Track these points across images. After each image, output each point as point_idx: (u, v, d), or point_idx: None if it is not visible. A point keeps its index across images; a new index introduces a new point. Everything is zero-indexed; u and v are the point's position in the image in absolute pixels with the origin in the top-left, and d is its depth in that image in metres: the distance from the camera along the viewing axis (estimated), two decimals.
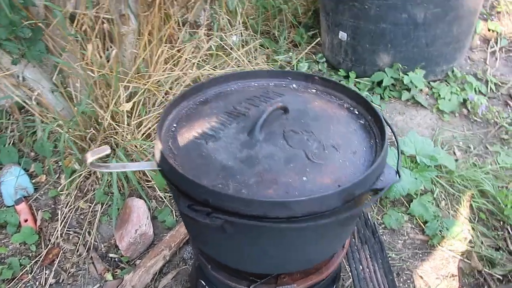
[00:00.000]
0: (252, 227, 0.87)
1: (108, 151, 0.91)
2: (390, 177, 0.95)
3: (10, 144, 2.33)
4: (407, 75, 2.29)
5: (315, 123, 1.07)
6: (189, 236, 1.18)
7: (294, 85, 1.26)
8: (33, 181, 2.13)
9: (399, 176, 0.95)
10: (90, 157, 0.89)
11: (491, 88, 2.42)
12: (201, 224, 0.86)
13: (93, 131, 1.91)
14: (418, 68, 2.33)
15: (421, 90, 2.32)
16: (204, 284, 1.22)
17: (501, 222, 1.79)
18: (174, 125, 1.09)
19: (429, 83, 2.42)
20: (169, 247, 1.71)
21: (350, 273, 1.45)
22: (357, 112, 1.14)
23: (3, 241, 1.88)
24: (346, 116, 1.12)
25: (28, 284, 1.71)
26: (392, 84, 2.35)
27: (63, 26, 1.78)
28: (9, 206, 2.02)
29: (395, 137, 1.06)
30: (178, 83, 2.11)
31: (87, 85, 1.84)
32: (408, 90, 2.32)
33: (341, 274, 1.32)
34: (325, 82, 1.23)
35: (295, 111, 1.10)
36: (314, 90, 1.24)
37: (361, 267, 1.38)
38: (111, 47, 1.96)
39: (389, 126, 1.09)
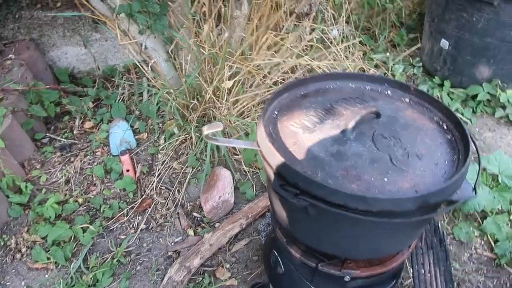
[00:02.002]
0: (333, 214, 0.99)
1: (221, 127, 1.08)
2: (466, 192, 1.03)
3: (121, 100, 2.64)
4: (505, 92, 2.25)
5: (404, 131, 1.16)
6: (272, 211, 1.33)
7: (389, 92, 1.35)
8: (136, 137, 2.41)
9: (475, 193, 1.03)
10: (206, 130, 1.07)
11: None
12: (288, 203, 1.01)
13: (196, 102, 2.13)
14: None
15: None
16: (277, 254, 1.38)
17: None
18: (276, 112, 1.24)
19: None
20: (246, 217, 1.89)
21: (411, 274, 1.54)
22: (445, 127, 1.21)
23: (107, 185, 2.17)
24: (434, 129, 1.20)
25: (123, 225, 1.98)
26: (488, 100, 2.32)
27: (186, 5, 1.99)
28: (114, 156, 2.31)
29: (478, 153, 1.13)
30: (276, 69, 2.25)
31: (197, 60, 2.05)
32: (503, 108, 2.28)
33: (401, 272, 1.41)
34: (420, 94, 1.31)
35: (386, 117, 1.20)
36: (407, 100, 1.32)
37: (422, 270, 1.46)
38: (222, 29, 2.14)
39: (474, 143, 1.16)
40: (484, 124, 2.30)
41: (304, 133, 1.14)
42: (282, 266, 1.37)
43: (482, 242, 1.84)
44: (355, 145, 1.10)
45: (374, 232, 1.05)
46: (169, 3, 1.94)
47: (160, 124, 2.43)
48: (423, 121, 1.23)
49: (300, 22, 2.28)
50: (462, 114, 2.31)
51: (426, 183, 1.03)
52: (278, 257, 1.39)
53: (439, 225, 1.80)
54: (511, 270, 1.74)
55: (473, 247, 1.83)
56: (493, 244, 1.81)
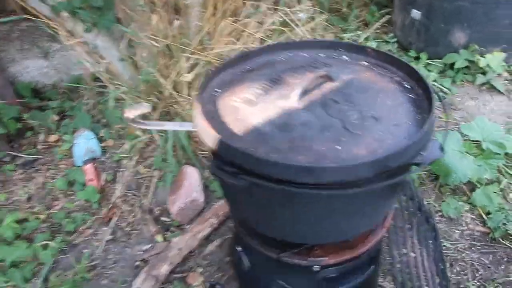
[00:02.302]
0: (280, 192, 0.86)
1: (148, 109, 0.95)
2: (433, 153, 0.89)
3: (85, 110, 2.50)
4: (484, 57, 2.11)
5: (360, 95, 1.03)
6: (226, 203, 1.20)
7: (345, 57, 1.22)
8: (102, 145, 2.27)
9: (443, 151, 0.89)
10: (128, 113, 0.93)
11: None
12: (232, 186, 0.87)
13: (155, 99, 1.99)
14: (497, 51, 2.14)
15: (499, 74, 2.14)
16: (240, 249, 1.24)
17: None
18: (218, 90, 1.10)
19: (509, 67, 2.22)
20: (217, 215, 1.75)
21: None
22: (408, 86, 1.08)
23: (70, 197, 2.03)
24: (395, 90, 1.07)
25: (87, 239, 1.83)
26: (466, 67, 2.19)
27: None
28: (78, 167, 2.17)
29: (446, 110, 0.99)
30: None
31: (151, 54, 1.91)
32: (484, 74, 2.15)
33: (379, 256, 1.26)
34: (379, 55, 1.18)
35: (340, 81, 1.07)
36: (366, 63, 1.19)
37: (405, 250, 1.31)
38: (176, 19, 2.01)
39: (441, 99, 1.03)
40: (465, 93, 2.16)
41: (246, 107, 1.01)
42: (247, 262, 1.22)
43: (473, 217, 1.70)
44: (304, 114, 0.97)
45: (332, 210, 0.91)
46: None
47: (126, 129, 2.29)
48: (383, 82, 1.10)
49: (259, 6, 2.15)
50: (442, 85, 2.17)
51: (386, 147, 0.89)
52: (242, 253, 1.24)
53: (424, 202, 1.66)
54: (507, 243, 1.60)
55: (464, 222, 1.68)
56: (485, 217, 1.67)
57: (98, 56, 1.99)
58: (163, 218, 1.86)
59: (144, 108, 0.94)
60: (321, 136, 0.91)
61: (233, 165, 0.86)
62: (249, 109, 1.00)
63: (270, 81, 1.09)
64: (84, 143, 2.22)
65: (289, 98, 1.00)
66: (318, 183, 0.81)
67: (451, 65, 2.22)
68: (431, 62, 2.31)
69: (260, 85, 1.07)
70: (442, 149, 0.90)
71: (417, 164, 0.86)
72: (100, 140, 2.31)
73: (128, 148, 2.10)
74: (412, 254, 1.35)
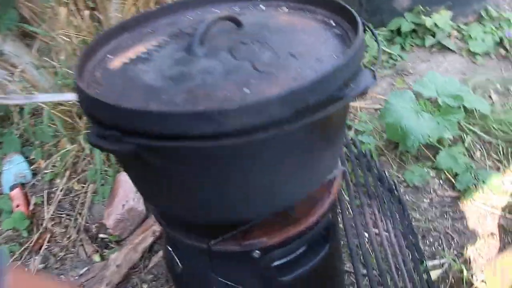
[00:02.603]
0: (175, 152, 0.67)
1: None
2: (364, 82, 0.72)
3: (17, 134, 2.27)
4: (430, 17, 1.99)
5: (274, 35, 0.85)
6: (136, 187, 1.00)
7: (262, 6, 1.05)
8: (33, 167, 2.04)
9: (375, 78, 0.72)
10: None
11: None
12: (117, 155, 0.68)
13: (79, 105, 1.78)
14: (443, 10, 2.02)
15: (448, 34, 2.02)
16: (170, 249, 1.03)
17: None
18: (110, 56, 0.91)
19: (458, 26, 2.10)
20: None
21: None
22: (333, 23, 0.91)
23: None
24: (318, 27, 0.90)
25: None
26: (414, 31, 2.07)
27: None
28: (6, 194, 1.94)
29: (371, 30, 0.83)
30: None
31: (67, 54, 1.71)
32: (433, 35, 2.02)
33: (337, 234, 1.07)
34: None
35: (252, 25, 0.89)
36: (286, 9, 1.02)
37: (363, 222, 1.12)
38: (92, 11, 1.82)
39: (370, 29, 0.87)
40: (416, 58, 2.03)
41: (137, 65, 0.82)
42: (179, 262, 1.02)
43: (441, 182, 1.54)
44: (205, 61, 0.78)
45: (251, 167, 0.72)
46: None
47: (56, 146, 2.06)
48: (304, 22, 0.92)
49: None
50: (390, 53, 2.04)
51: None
52: (172, 252, 1.04)
53: (386, 173, 1.50)
54: (480, 204, 1.44)
55: (431, 189, 1.52)
56: (453, 180, 1.51)
57: (8, 65, 1.78)
58: (101, 235, 1.64)
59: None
60: (226, 81, 0.72)
61: (114, 128, 0.67)
62: (141, 66, 0.81)
63: (169, 36, 0.90)
64: (13, 169, 2.01)
65: (187, 47, 0.81)
66: (221, 132, 0.62)
67: (398, 32, 2.09)
68: (378, 32, 2.17)
69: (157, 41, 0.89)
70: (374, 76, 0.72)
71: (343, 97, 0.69)
72: (31, 162, 2.08)
73: (59, 165, 1.87)
74: (376, 231, 1.17)
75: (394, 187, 1.42)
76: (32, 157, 2.11)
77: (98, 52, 0.90)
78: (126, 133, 0.65)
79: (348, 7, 0.89)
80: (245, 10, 1.03)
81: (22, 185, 1.93)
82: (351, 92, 0.69)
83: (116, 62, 0.86)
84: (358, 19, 0.82)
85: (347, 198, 1.20)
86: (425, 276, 1.17)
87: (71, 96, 0.80)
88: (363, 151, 1.40)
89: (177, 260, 1.02)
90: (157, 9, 1.03)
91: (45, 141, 2.11)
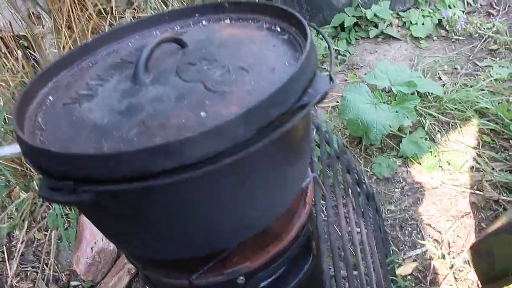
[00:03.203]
0: (136, 193, 0.62)
1: None
2: (322, 86, 0.69)
3: None
4: (370, 9, 2.02)
5: (220, 50, 0.82)
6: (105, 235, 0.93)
7: (203, 22, 1.01)
8: None
9: (332, 81, 0.70)
10: None
11: (468, 3, 2.14)
12: (75, 206, 0.62)
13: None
14: (381, 0, 2.05)
15: (390, 23, 2.05)
16: None
17: (510, 141, 1.52)
18: (50, 97, 0.84)
19: (398, 14, 2.14)
20: None
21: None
22: (278, 29, 0.89)
23: None
24: (263, 36, 0.87)
25: None
26: (357, 24, 2.09)
27: None
28: None
29: (325, 38, 0.81)
30: None
31: (7, 99, 1.61)
32: (376, 26, 2.05)
33: (316, 243, 1.04)
34: (239, 6, 0.97)
35: (195, 43, 0.85)
36: (227, 21, 0.99)
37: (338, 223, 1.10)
38: (27, 54, 1.73)
39: (317, 30, 0.85)
40: (363, 50, 2.05)
41: (82, 104, 0.76)
42: None
43: (408, 169, 1.54)
44: (153, 88, 0.74)
45: (224, 195, 0.68)
46: None
47: (10, 197, 1.94)
48: (248, 32, 0.89)
49: (122, 17, 1.92)
50: (337, 50, 2.05)
51: (262, 96, 0.68)
52: None
53: (353, 165, 1.48)
54: (449, 185, 1.45)
55: (400, 179, 1.52)
56: (420, 166, 1.52)
57: None
58: (73, 283, 1.54)
59: None
60: (179, 107, 0.68)
61: (67, 178, 0.61)
62: (86, 104, 0.75)
63: (110, 67, 0.85)
64: None
65: (132, 76, 0.76)
66: (184, 164, 0.58)
67: (342, 27, 2.11)
68: (322, 30, 2.18)
69: (98, 75, 0.83)
70: (331, 79, 0.70)
71: (305, 105, 0.66)
72: None
73: (15, 216, 1.76)
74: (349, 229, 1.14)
75: (361, 180, 1.41)
76: None
77: (36, 95, 0.83)
78: (81, 181, 0.59)
79: (291, 10, 0.87)
80: (187, 29, 0.99)
81: None
82: (311, 99, 0.66)
83: (58, 104, 0.80)
84: (304, 21, 0.80)
85: (322, 202, 1.18)
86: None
87: (13, 149, 0.73)
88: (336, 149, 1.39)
89: None
90: (93, 40, 0.97)
91: None
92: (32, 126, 0.75)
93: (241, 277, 0.85)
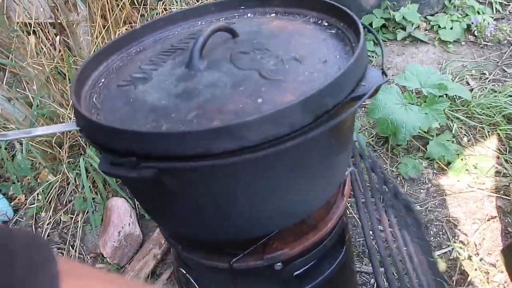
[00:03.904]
0: (196, 171, 0.64)
1: None
2: (374, 80, 0.71)
3: None
4: (399, 11, 2.03)
5: (271, 41, 0.84)
6: (148, 213, 0.96)
7: (249, 14, 1.03)
8: (13, 203, 1.95)
9: (386, 76, 0.71)
10: None
11: (496, 9, 2.14)
12: (136, 184, 0.65)
13: (59, 134, 1.71)
14: (409, 3, 2.06)
15: (418, 25, 2.06)
16: (184, 272, 1.00)
17: None
18: (102, 80, 0.87)
19: (425, 17, 2.15)
20: (159, 244, 1.49)
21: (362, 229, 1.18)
22: (326, 23, 0.91)
23: None
24: (312, 29, 0.89)
25: None
26: (384, 26, 2.10)
27: (2, 24, 1.59)
28: None
29: (374, 35, 0.82)
30: None
31: (41, 83, 1.65)
32: (403, 28, 2.06)
33: (349, 236, 1.06)
34: (284, 0, 1.00)
35: (246, 34, 0.88)
36: (273, 14, 1.01)
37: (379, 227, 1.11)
38: (63, 40, 1.76)
39: (367, 27, 0.86)
40: (390, 52, 2.06)
41: (137, 87, 0.78)
42: (195, 284, 0.98)
43: (435, 171, 1.55)
44: (208, 74, 0.76)
45: (272, 179, 0.70)
46: None
47: (37, 179, 1.98)
48: (296, 25, 0.91)
49: (155, 7, 1.95)
50: None
51: (318, 86, 0.70)
52: (187, 275, 1.00)
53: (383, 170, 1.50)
54: (476, 189, 1.46)
55: (426, 180, 1.54)
56: (446, 168, 1.53)
57: None
58: (98, 265, 1.57)
59: None
60: (236, 93, 0.70)
61: (130, 154, 0.63)
62: (141, 87, 0.78)
63: (162, 53, 0.88)
64: None
65: (187, 62, 0.79)
66: (244, 146, 0.60)
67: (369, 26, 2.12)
68: None
69: (152, 60, 0.86)
70: (384, 73, 0.72)
71: (360, 97, 0.68)
72: (10, 199, 1.99)
73: (42, 198, 1.80)
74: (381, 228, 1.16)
75: (385, 178, 1.42)
76: (11, 192, 2.02)
77: (89, 77, 0.87)
78: (144, 158, 0.62)
79: (341, 6, 0.88)
80: (233, 20, 1.01)
81: (5, 223, 1.84)
82: (364, 91, 0.68)
83: (112, 85, 0.83)
84: (356, 17, 0.81)
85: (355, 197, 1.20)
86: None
87: (70, 126, 0.76)
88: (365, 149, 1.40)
89: (193, 282, 0.98)
90: (142, 26, 1.00)
91: (24, 175, 2.03)
92: (88, 106, 0.79)
93: (279, 263, 0.87)
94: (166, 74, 0.79)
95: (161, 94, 0.74)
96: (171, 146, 0.61)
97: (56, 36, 1.62)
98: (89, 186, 1.68)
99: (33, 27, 1.59)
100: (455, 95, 1.63)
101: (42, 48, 1.62)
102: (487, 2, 2.19)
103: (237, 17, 1.03)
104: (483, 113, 1.62)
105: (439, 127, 1.58)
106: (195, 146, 0.60)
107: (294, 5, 0.98)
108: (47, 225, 1.77)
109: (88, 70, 0.87)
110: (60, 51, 1.60)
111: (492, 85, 1.75)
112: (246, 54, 0.80)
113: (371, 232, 1.06)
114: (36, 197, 1.89)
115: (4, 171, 2.11)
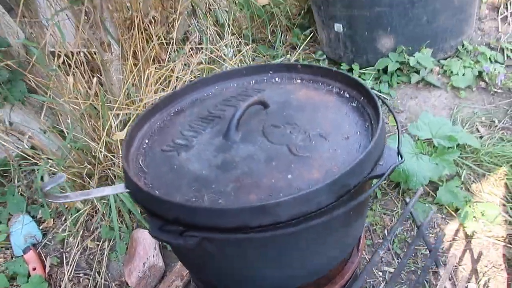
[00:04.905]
0: (234, 242, 0.74)
1: (63, 178, 0.81)
2: (390, 160, 0.81)
3: (18, 193, 2.28)
4: (413, 56, 2.13)
5: (299, 114, 0.94)
6: (183, 264, 1.06)
7: (276, 79, 1.14)
8: (41, 227, 2.06)
9: (402, 157, 0.81)
10: (45, 189, 0.79)
11: (508, 56, 2.23)
12: (179, 247, 0.75)
13: (89, 166, 1.83)
14: (424, 48, 2.16)
15: (431, 70, 2.16)
16: None
17: None
18: (146, 141, 0.98)
19: (438, 61, 2.25)
20: (181, 276, 1.59)
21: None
22: (347, 95, 1.01)
23: None
24: (335, 101, 0.99)
25: None
26: (399, 69, 2.20)
27: (43, 63, 1.72)
28: (18, 256, 1.95)
29: (391, 112, 0.92)
30: None
31: (75, 118, 1.77)
32: (417, 72, 2.16)
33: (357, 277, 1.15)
34: (309, 69, 1.10)
35: (276, 104, 0.98)
36: (299, 81, 1.11)
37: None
38: (97, 77, 1.89)
39: (384, 102, 0.96)
40: (404, 94, 2.16)
41: (180, 153, 0.89)
42: None
43: (443, 216, 1.64)
44: (244, 146, 0.86)
45: (298, 249, 0.80)
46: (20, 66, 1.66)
47: (65, 205, 2.09)
48: (320, 96, 1.02)
49: (182, 48, 2.07)
50: (380, 91, 2.16)
51: (340, 163, 0.80)
52: None
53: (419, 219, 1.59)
54: (482, 236, 1.54)
55: (435, 224, 1.62)
56: (454, 214, 1.61)
57: (17, 132, 1.82)
58: None
59: (59, 178, 0.81)
60: (269, 167, 0.80)
61: (177, 223, 0.74)
62: (183, 154, 0.88)
63: (201, 120, 0.98)
64: (22, 229, 2.02)
65: (225, 133, 0.89)
66: (277, 222, 0.70)
67: (384, 70, 2.22)
68: (364, 71, 2.30)
69: (191, 126, 0.97)
70: (399, 154, 0.82)
71: (379, 176, 0.78)
72: (39, 222, 2.10)
73: (71, 224, 1.90)
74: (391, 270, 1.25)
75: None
76: (39, 216, 2.13)
77: (135, 138, 0.97)
78: (189, 227, 0.72)
79: (361, 81, 0.98)
80: (262, 85, 1.12)
81: (33, 246, 1.95)
82: (383, 171, 0.78)
83: (155, 148, 0.93)
84: (375, 97, 0.91)
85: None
86: None
87: (121, 189, 0.86)
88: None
89: None
90: (181, 88, 1.11)
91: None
92: (135, 168, 0.89)
93: None
94: (206, 143, 0.90)
95: (202, 164, 0.84)
96: (213, 219, 0.71)
97: (93, 78, 1.74)
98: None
99: (67, 59, 1.71)
100: (465, 143, 1.71)
101: (79, 88, 1.74)
102: (499, 47, 2.28)
103: (265, 81, 1.14)
104: (491, 161, 1.70)
105: (448, 174, 1.66)
106: (235, 221, 0.70)
107: (318, 74, 1.09)
108: (74, 249, 1.87)
109: (134, 132, 0.98)
110: (95, 92, 1.72)
111: (502, 133, 1.84)
112: (277, 128, 0.90)
113: None
114: (64, 222, 2.01)
115: (33, 193, 2.23)
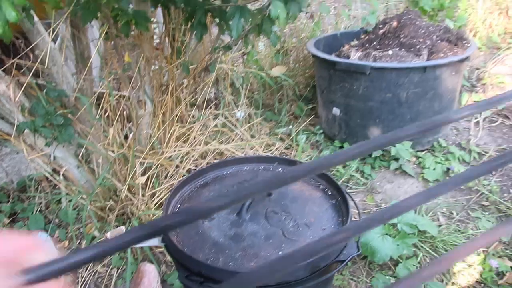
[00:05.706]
0: None
1: (123, 230, 1.16)
2: (351, 250, 1.16)
3: (38, 211, 2.60)
4: (395, 146, 2.52)
5: (293, 204, 1.30)
6: None
7: (280, 169, 1.51)
8: (57, 246, 2.37)
9: (359, 250, 1.16)
10: (109, 237, 1.13)
11: (474, 157, 2.62)
12: None
13: (112, 202, 2.17)
14: (405, 140, 2.56)
15: (408, 160, 2.54)
16: None
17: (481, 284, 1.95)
18: (178, 205, 1.33)
19: (416, 152, 2.64)
20: None
21: None
22: (330, 193, 1.37)
23: None
24: (320, 197, 1.35)
25: None
26: (382, 155, 2.58)
27: (90, 112, 2.09)
28: None
29: (358, 209, 1.28)
30: (187, 157, 2.38)
31: (108, 162, 2.12)
32: (396, 160, 2.54)
33: None
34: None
35: (277, 193, 1.34)
36: None
37: None
38: (129, 128, 2.26)
39: (355, 204, 1.32)
40: (383, 178, 2.53)
41: (204, 222, 1.24)
42: None
43: None
44: (251, 224, 1.22)
45: None
46: (71, 114, 2.03)
47: (81, 229, 2.41)
48: (310, 191, 1.38)
49: (203, 111, 2.46)
50: (363, 171, 2.54)
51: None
52: None
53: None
54: None
55: None
56: None
57: (56, 166, 2.17)
58: None
59: (120, 231, 1.15)
60: (266, 244, 1.15)
61: (199, 275, 1.08)
62: (207, 223, 1.23)
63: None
64: None
65: (238, 212, 1.25)
66: (267, 285, 1.05)
67: (370, 154, 2.60)
68: None
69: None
70: (358, 247, 1.17)
71: (341, 261, 1.13)
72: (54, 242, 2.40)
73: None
74: None
75: None
76: (56, 235, 2.45)
77: (170, 204, 1.33)
78: (207, 279, 1.06)
79: (342, 187, 1.35)
80: (269, 172, 1.48)
81: None
82: (345, 257, 1.13)
83: None
84: (349, 199, 1.27)
85: None
86: None
87: (157, 242, 1.21)
88: None
89: None
90: (207, 166, 1.47)
91: (68, 222, 2.47)
92: None
93: None
94: (223, 218, 1.25)
95: (220, 233, 1.19)
96: (225, 277, 1.05)
97: (130, 132, 2.11)
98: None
99: (110, 119, 2.08)
100: (425, 229, 2.07)
101: (116, 138, 2.10)
102: (467, 149, 2.68)
103: (271, 169, 1.51)
104: (444, 248, 2.05)
105: (408, 254, 2.01)
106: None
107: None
108: (85, 271, 2.18)
109: (171, 198, 1.33)
110: (129, 145, 2.09)
111: (457, 225, 2.20)
112: (276, 214, 1.26)
113: None
114: (78, 246, 2.32)
115: (50, 213, 2.55)
